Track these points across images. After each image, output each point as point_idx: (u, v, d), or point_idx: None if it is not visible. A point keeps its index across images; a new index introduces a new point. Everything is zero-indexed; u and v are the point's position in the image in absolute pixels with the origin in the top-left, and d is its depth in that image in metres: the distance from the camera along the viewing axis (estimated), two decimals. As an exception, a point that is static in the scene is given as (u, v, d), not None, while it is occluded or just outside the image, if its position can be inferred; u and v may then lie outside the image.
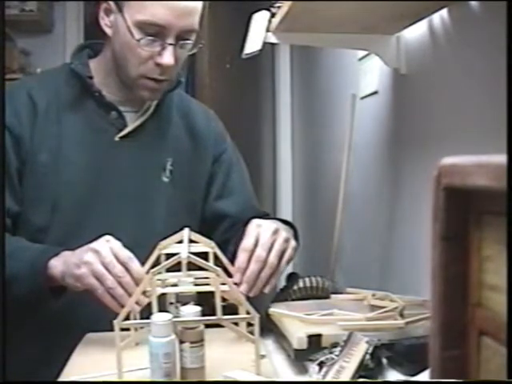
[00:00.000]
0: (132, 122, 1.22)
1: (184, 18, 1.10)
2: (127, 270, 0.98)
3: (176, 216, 1.23)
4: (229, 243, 1.22)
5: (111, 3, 1.13)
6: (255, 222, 1.07)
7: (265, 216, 1.26)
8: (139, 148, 1.22)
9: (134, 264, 0.99)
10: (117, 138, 1.20)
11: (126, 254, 0.99)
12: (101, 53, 1.23)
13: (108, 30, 1.15)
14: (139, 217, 1.21)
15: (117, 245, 1.00)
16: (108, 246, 1.00)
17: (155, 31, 1.10)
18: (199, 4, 1.13)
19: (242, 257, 1.01)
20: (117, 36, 1.14)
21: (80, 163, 1.18)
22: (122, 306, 0.94)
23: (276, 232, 1.05)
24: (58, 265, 1.03)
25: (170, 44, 1.11)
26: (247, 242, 1.02)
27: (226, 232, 1.29)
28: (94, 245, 1.00)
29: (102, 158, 1.20)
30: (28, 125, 1.15)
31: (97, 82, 1.20)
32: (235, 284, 0.99)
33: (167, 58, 1.11)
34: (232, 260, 1.04)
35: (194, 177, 1.28)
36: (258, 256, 1.01)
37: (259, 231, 1.04)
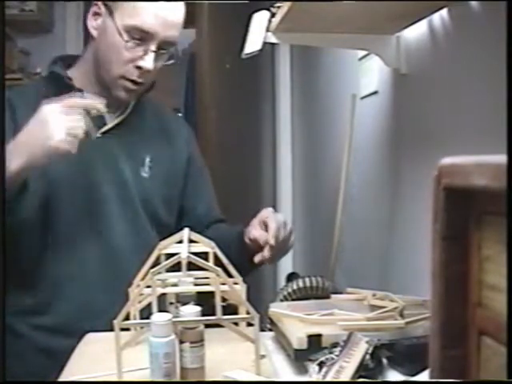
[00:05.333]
0: (111, 121, 1.28)
1: (168, 30, 1.20)
2: None
3: (155, 210, 1.31)
4: None
5: (101, 7, 1.20)
6: (269, 209, 1.24)
7: (223, 221, 1.42)
8: (119, 144, 1.28)
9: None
10: (99, 134, 1.25)
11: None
12: (79, 60, 1.29)
13: (94, 32, 1.23)
14: (124, 207, 1.26)
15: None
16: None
17: (141, 37, 1.18)
18: (182, 20, 1.23)
19: (275, 227, 1.16)
20: (103, 37, 1.21)
21: (65, 161, 1.19)
22: None
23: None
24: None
25: (152, 51, 1.20)
26: (277, 218, 1.19)
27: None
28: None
29: (86, 154, 1.22)
30: (10, 129, 1.11)
31: (76, 85, 1.26)
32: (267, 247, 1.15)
33: (149, 62, 1.20)
34: None
35: (171, 175, 1.35)
36: (281, 234, 1.18)
37: (275, 216, 1.20)
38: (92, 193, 1.24)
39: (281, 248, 1.19)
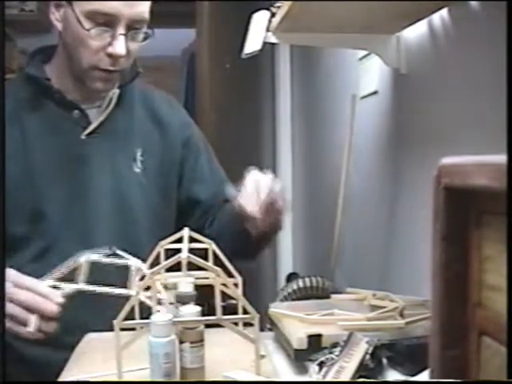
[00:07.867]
0: (95, 119, 1.21)
1: (134, 7, 1.09)
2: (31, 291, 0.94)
3: (152, 205, 1.24)
4: (203, 228, 1.24)
5: None
6: (252, 177, 1.11)
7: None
8: (107, 143, 1.21)
9: (36, 283, 0.96)
10: (83, 136, 1.19)
11: (24, 279, 0.96)
12: (54, 55, 1.23)
13: (58, 25, 1.15)
14: (118, 210, 1.20)
15: (12, 273, 0.96)
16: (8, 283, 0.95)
17: (105, 21, 1.08)
18: None
19: (251, 185, 1.07)
20: (68, 29, 1.13)
21: (49, 167, 1.16)
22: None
23: (274, 180, 1.10)
24: None
25: (121, 34, 1.10)
26: (254, 175, 1.09)
27: (200, 218, 1.31)
28: None
29: (71, 158, 1.19)
30: None
31: (54, 84, 1.20)
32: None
33: (119, 48, 1.10)
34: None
35: (165, 165, 1.28)
36: (267, 186, 1.07)
37: (259, 177, 1.10)
38: (84, 204, 1.18)
39: (269, 218, 1.08)
